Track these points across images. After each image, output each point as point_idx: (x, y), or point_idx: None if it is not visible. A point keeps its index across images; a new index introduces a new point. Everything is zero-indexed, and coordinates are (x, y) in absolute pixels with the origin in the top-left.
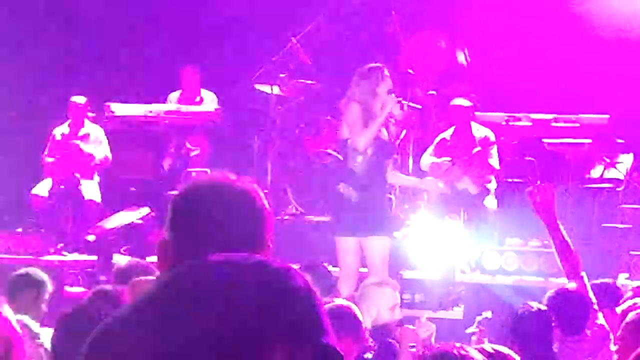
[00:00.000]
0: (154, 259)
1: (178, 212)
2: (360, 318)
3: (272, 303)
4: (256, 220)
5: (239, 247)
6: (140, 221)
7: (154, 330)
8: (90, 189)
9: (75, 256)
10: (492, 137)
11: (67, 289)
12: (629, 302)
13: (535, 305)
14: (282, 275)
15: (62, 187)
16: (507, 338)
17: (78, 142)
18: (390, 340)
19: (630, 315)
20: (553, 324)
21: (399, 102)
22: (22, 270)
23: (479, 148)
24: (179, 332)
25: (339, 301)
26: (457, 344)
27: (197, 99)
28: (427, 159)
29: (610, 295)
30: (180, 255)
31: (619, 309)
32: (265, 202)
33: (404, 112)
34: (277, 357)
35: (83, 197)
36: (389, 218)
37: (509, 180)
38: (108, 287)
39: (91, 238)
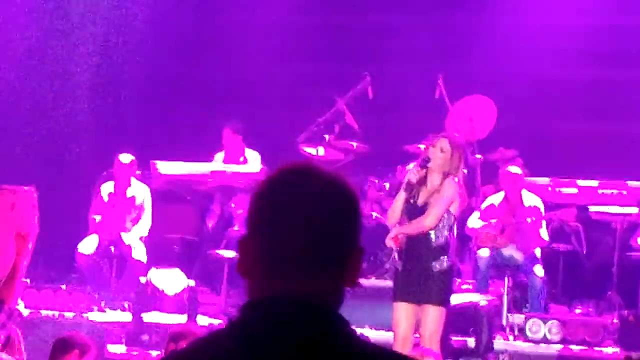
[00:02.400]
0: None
1: (258, 205)
2: None
3: None
4: (348, 216)
5: (328, 249)
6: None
7: None
8: (136, 248)
9: (117, 315)
10: (542, 208)
11: (110, 348)
12: None
13: None
14: None
15: (109, 245)
16: None
17: (126, 201)
18: None
19: None
20: None
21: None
22: (67, 334)
23: (532, 218)
24: None
25: None
26: None
27: (241, 158)
28: (474, 222)
29: None
30: (264, 263)
31: None
32: (356, 196)
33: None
34: None
35: (129, 256)
36: (445, 287)
37: (555, 246)
38: None
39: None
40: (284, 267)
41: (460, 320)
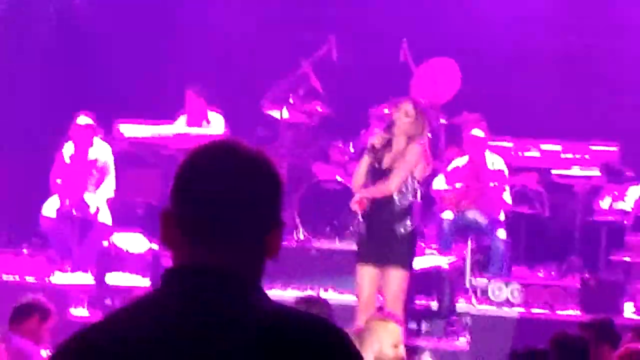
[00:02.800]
0: None
1: (182, 180)
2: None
3: None
4: (268, 192)
5: (245, 222)
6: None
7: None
8: (100, 210)
9: (81, 278)
10: (506, 171)
11: (72, 311)
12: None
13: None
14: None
15: (70, 207)
16: None
17: (88, 162)
18: None
19: None
20: None
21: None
22: (27, 298)
23: (495, 183)
24: None
25: None
26: None
27: (205, 120)
28: (439, 185)
29: (607, 331)
30: (185, 233)
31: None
32: (279, 175)
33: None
34: None
35: (93, 219)
36: (408, 250)
37: (517, 210)
38: None
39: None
40: (201, 238)
41: (424, 283)
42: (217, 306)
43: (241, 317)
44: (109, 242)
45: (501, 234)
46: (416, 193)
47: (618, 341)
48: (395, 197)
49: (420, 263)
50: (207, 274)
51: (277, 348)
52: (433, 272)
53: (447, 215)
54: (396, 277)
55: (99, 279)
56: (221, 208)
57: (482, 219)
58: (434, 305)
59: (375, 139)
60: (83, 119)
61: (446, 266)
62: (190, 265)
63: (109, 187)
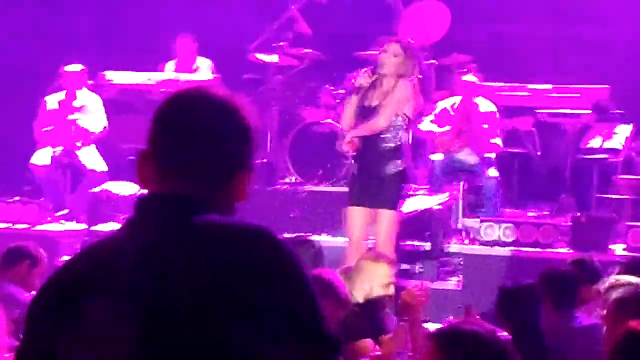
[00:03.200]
0: None
1: (158, 121)
2: (339, 283)
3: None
4: (237, 137)
5: (221, 165)
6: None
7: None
8: (91, 158)
9: (73, 226)
10: (498, 115)
11: (64, 259)
12: (612, 280)
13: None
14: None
15: (60, 156)
16: (495, 312)
17: (76, 115)
18: (379, 316)
19: (616, 294)
20: (545, 299)
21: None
22: (17, 244)
23: (485, 126)
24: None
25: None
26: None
27: (194, 67)
28: (428, 126)
29: (588, 271)
30: (160, 170)
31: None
32: (252, 120)
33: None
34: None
35: (84, 167)
36: (398, 191)
37: (508, 150)
38: None
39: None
40: (171, 171)
41: (416, 225)
42: (161, 228)
43: (180, 236)
44: (101, 189)
45: (493, 173)
46: (407, 132)
47: (598, 278)
48: (385, 137)
49: (411, 205)
50: (163, 199)
51: (209, 261)
52: (425, 214)
53: (437, 157)
54: (387, 218)
55: (91, 225)
56: (189, 144)
57: (473, 160)
58: (427, 246)
59: (362, 79)
60: (73, 67)
61: (438, 207)
62: (153, 193)
63: (99, 134)
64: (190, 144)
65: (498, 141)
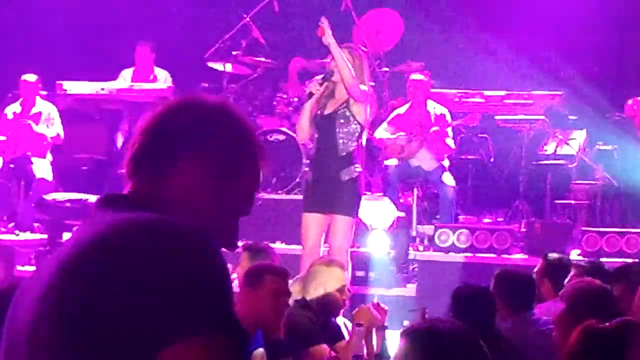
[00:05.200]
0: None
1: (151, 124)
2: None
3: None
4: (181, 130)
5: (159, 156)
6: (94, 199)
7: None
8: (42, 168)
9: (27, 235)
10: (449, 116)
11: (19, 268)
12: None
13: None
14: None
15: (12, 166)
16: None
17: (30, 121)
18: (334, 321)
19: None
20: (502, 303)
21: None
22: None
23: (436, 127)
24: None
25: None
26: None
27: (151, 76)
28: (382, 133)
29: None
30: (135, 171)
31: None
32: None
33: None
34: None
35: (34, 176)
36: (353, 197)
37: (463, 157)
38: None
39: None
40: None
41: (371, 232)
42: (88, 227)
43: (91, 235)
44: (50, 197)
45: (448, 180)
46: (360, 138)
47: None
48: (339, 143)
49: (367, 211)
50: (107, 201)
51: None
52: (380, 220)
53: (391, 162)
54: (341, 224)
55: (51, 235)
56: (138, 141)
57: (427, 166)
58: (382, 253)
59: (312, 86)
60: (30, 76)
61: (401, 214)
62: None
63: (54, 143)
64: (140, 136)
65: (450, 142)
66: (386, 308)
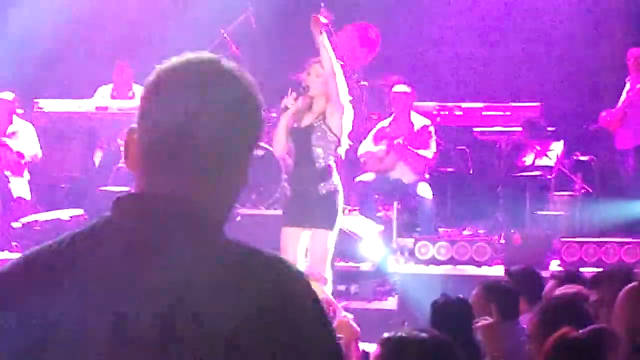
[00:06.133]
0: None
1: (145, 94)
2: None
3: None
4: (235, 120)
5: (206, 151)
6: (68, 219)
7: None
8: (20, 187)
9: (3, 254)
10: (431, 128)
11: None
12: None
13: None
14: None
15: None
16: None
17: (6, 139)
18: None
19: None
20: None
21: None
22: None
23: (420, 138)
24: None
25: None
26: None
27: (130, 93)
28: (364, 147)
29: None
30: (146, 156)
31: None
32: (260, 97)
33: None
34: None
35: (12, 195)
36: (332, 210)
37: (442, 169)
38: None
39: (17, 225)
40: (158, 163)
41: (351, 245)
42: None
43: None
44: (31, 218)
45: (427, 193)
46: (336, 151)
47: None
48: (317, 156)
49: (346, 225)
50: (147, 202)
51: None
52: (359, 235)
53: (368, 176)
54: (321, 238)
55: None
56: (179, 134)
57: (406, 179)
58: (362, 266)
59: (287, 101)
60: (7, 94)
61: (377, 228)
62: (135, 194)
63: (31, 162)
64: (185, 127)
65: (430, 154)
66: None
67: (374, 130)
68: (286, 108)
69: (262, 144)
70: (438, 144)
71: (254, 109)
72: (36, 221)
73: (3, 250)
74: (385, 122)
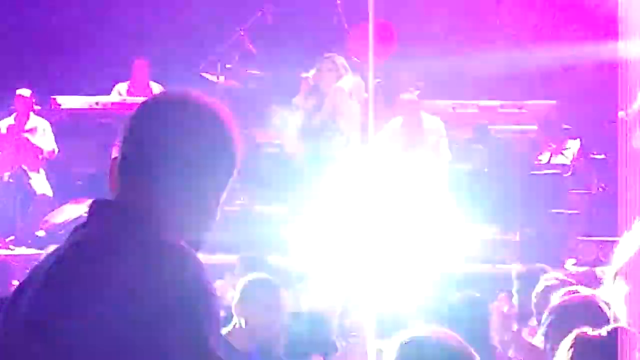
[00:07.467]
0: None
1: (126, 128)
2: None
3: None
4: (165, 131)
5: (141, 160)
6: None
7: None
8: (40, 183)
9: (24, 250)
10: (443, 129)
11: (15, 283)
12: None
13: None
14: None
15: (10, 181)
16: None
17: (27, 135)
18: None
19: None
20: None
21: None
22: None
23: (433, 137)
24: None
25: None
26: None
27: (147, 91)
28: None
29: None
30: (120, 178)
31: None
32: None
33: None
34: None
35: (34, 191)
36: None
37: (458, 167)
38: None
39: (41, 234)
40: (120, 176)
41: None
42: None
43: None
44: (52, 213)
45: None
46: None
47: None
48: (327, 154)
49: None
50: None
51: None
52: None
53: None
54: None
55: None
56: (124, 148)
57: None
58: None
59: (298, 99)
60: (25, 91)
61: None
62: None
63: (49, 157)
64: (126, 140)
65: (446, 153)
66: None
67: (384, 130)
68: (296, 107)
69: (277, 141)
70: (453, 143)
71: (187, 134)
72: (57, 224)
73: (21, 246)
74: (396, 124)
